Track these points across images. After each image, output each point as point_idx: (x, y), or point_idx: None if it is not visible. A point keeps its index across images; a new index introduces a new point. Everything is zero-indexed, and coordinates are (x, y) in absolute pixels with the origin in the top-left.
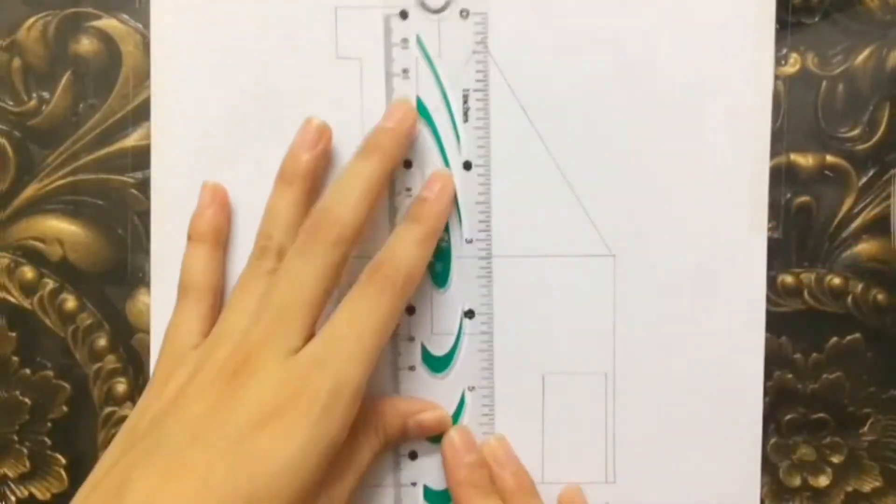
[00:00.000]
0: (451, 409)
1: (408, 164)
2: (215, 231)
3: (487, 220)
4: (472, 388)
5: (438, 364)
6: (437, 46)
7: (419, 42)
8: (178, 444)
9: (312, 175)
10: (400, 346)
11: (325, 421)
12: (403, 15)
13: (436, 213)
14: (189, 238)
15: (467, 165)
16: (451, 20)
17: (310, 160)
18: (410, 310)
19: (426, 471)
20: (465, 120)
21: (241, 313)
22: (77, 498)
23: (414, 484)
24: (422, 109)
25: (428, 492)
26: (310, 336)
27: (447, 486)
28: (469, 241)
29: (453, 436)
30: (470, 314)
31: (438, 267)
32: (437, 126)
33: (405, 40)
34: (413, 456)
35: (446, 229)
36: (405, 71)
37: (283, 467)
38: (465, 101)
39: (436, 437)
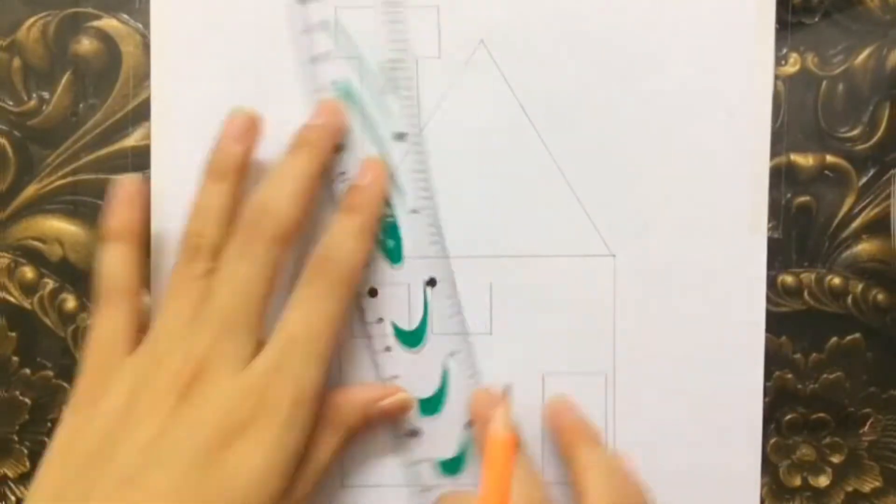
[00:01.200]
0: (437, 380)
1: (339, 147)
2: (133, 229)
3: (428, 187)
4: (452, 354)
5: (413, 338)
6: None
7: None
8: (134, 468)
9: (243, 169)
10: (371, 329)
11: (289, 429)
12: None
13: (370, 201)
14: (105, 238)
15: (399, 136)
16: None
17: (240, 153)
18: (373, 292)
19: (431, 447)
20: (393, 91)
21: (179, 319)
22: None
23: (425, 461)
24: (345, 87)
25: (441, 463)
26: (259, 339)
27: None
28: (414, 212)
29: (481, 392)
30: (432, 282)
31: (390, 244)
32: (364, 101)
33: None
34: (414, 434)
35: (388, 205)
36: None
37: (251, 483)
38: (393, 72)
39: (427, 409)
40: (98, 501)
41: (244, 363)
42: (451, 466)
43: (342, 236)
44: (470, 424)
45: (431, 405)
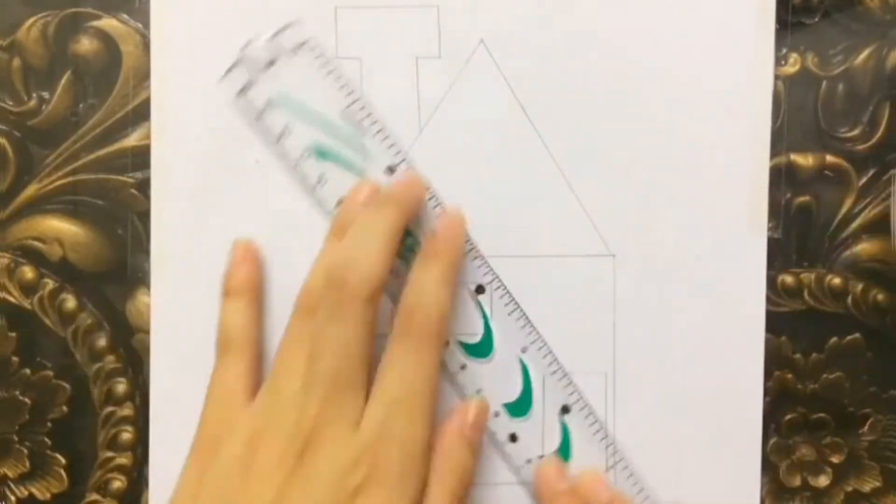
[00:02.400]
0: (519, 381)
1: (390, 170)
2: (251, 287)
3: (440, 203)
4: (524, 350)
5: (482, 349)
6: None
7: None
8: None
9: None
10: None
11: (400, 490)
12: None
13: (452, 249)
14: (226, 294)
15: (391, 169)
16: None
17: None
18: None
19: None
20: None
21: (293, 375)
22: None
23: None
24: (319, 153)
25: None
26: (365, 396)
27: None
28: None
29: (546, 466)
30: (480, 289)
31: None
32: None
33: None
34: (513, 438)
35: (411, 233)
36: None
37: None
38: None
39: (518, 412)
40: None
41: (354, 423)
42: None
43: (429, 285)
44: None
45: (521, 407)
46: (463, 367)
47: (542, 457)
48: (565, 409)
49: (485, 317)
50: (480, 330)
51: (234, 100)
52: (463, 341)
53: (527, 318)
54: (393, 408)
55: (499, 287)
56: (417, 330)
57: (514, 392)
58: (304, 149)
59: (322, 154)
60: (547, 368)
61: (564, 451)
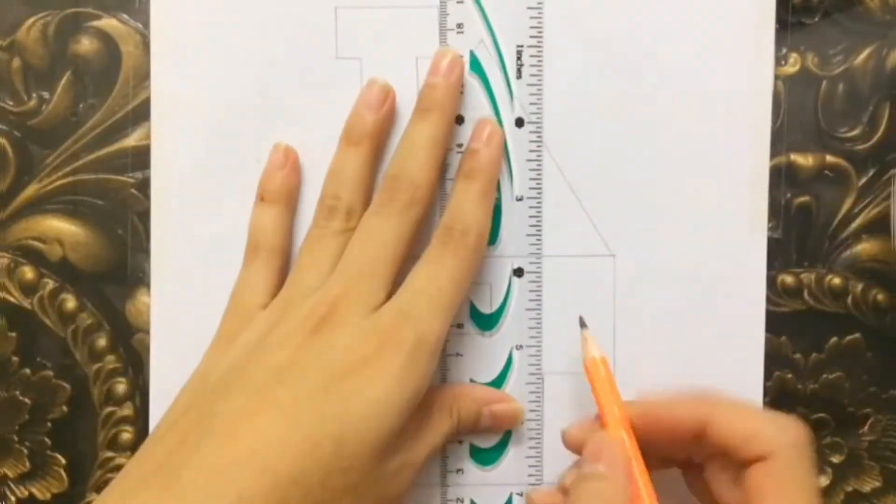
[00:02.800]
0: (499, 368)
1: (460, 119)
2: (287, 193)
3: (539, 177)
4: (519, 347)
5: (487, 322)
6: (492, 1)
7: None
8: (262, 384)
9: (378, 135)
10: None
11: (408, 370)
12: None
13: (489, 164)
14: (260, 198)
15: (519, 122)
16: None
17: (375, 121)
18: None
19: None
20: (519, 76)
21: (313, 272)
22: (156, 433)
23: (460, 442)
24: (475, 64)
25: (474, 449)
26: (390, 293)
27: None
28: (519, 199)
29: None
30: (519, 272)
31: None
32: (490, 82)
33: None
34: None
35: (497, 187)
36: (459, 25)
37: (369, 411)
38: (519, 58)
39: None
40: (224, 409)
41: (374, 309)
42: (489, 458)
43: (468, 203)
44: None
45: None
46: (459, 325)
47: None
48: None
49: (507, 298)
50: (496, 306)
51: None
52: (476, 306)
53: (540, 320)
54: (415, 298)
55: (534, 281)
56: (455, 242)
57: (491, 374)
58: (469, 50)
59: (474, 66)
60: (528, 377)
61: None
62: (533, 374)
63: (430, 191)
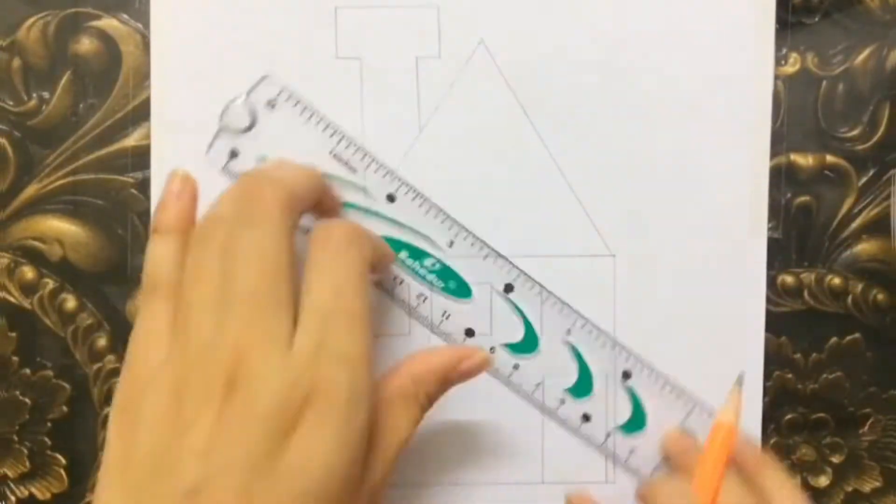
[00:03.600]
0: (572, 362)
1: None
2: (186, 222)
3: (461, 224)
4: (569, 332)
5: (528, 345)
6: None
7: None
8: (198, 477)
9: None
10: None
11: (350, 408)
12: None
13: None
14: (155, 230)
15: (391, 198)
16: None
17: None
18: (469, 332)
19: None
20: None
21: (203, 306)
22: None
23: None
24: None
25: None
26: (293, 315)
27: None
28: (451, 245)
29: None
30: (508, 288)
31: (452, 285)
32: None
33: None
34: (586, 418)
35: (421, 258)
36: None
37: (320, 473)
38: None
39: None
40: None
41: (285, 343)
42: (633, 426)
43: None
44: (663, 462)
45: (583, 388)
46: (516, 366)
47: (620, 427)
48: (626, 375)
49: (521, 313)
50: (521, 328)
51: (222, 171)
52: (508, 343)
53: (561, 302)
54: (328, 321)
55: (526, 281)
56: (336, 240)
57: (572, 376)
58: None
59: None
60: (595, 343)
61: (638, 417)
62: (598, 339)
63: (303, 197)
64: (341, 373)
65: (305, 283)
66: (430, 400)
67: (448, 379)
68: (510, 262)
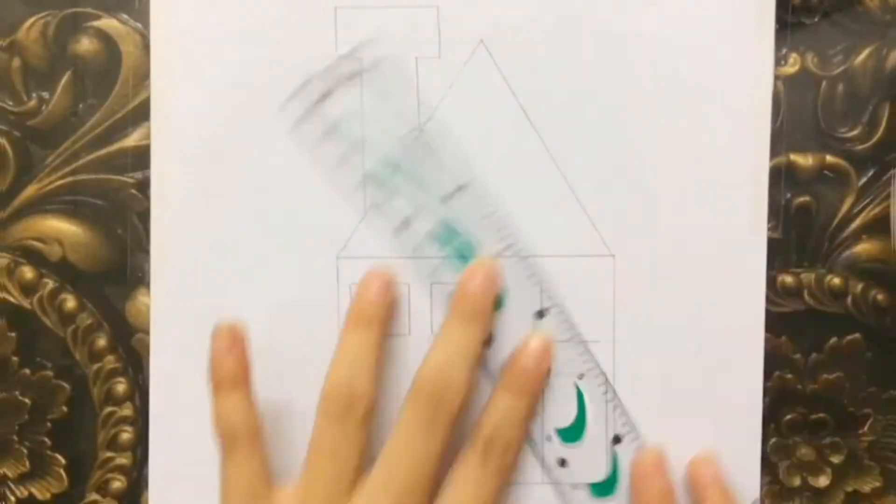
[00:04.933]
0: (573, 404)
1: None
2: (243, 374)
3: (504, 228)
4: (581, 376)
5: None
6: None
7: None
8: None
9: (387, 318)
10: None
11: None
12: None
13: (537, 383)
14: (217, 386)
15: (460, 188)
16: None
17: (382, 305)
18: (488, 341)
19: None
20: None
21: (334, 476)
22: None
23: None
24: (392, 168)
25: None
26: None
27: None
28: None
29: (645, 457)
30: (540, 314)
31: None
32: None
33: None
34: (563, 463)
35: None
36: None
37: None
38: None
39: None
40: None
41: None
42: (603, 489)
43: (512, 420)
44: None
45: (574, 433)
46: None
47: (589, 485)
48: (617, 440)
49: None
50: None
51: (305, 113)
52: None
53: (586, 345)
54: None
55: (560, 312)
56: (496, 460)
57: (568, 417)
58: (366, 172)
59: (394, 170)
60: (602, 397)
61: (611, 481)
62: (605, 394)
63: (467, 400)
64: None
65: (449, 482)
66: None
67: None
68: (546, 290)
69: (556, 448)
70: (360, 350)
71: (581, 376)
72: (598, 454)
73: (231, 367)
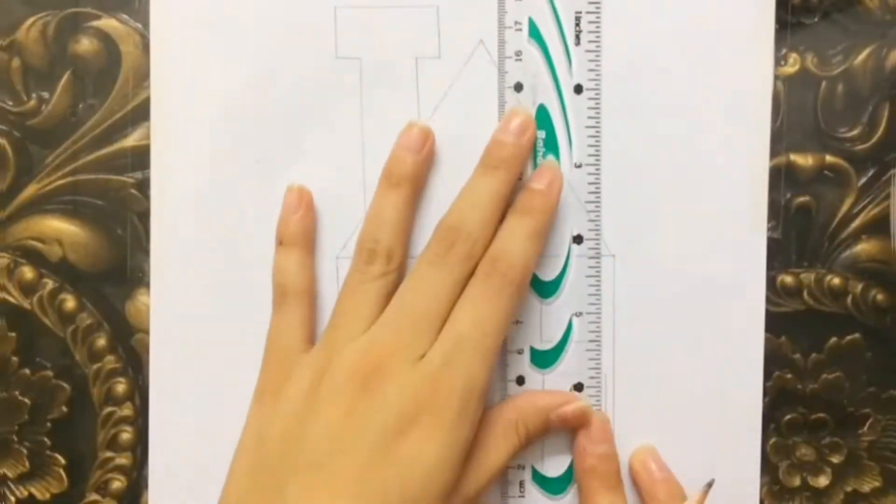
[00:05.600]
0: (558, 336)
1: (518, 87)
2: (305, 234)
3: (598, 143)
4: (578, 314)
5: (546, 289)
6: None
7: None
8: (322, 454)
9: (418, 178)
10: None
11: (459, 421)
12: None
13: (547, 207)
14: (280, 243)
15: (578, 89)
16: None
17: (416, 162)
18: None
19: (532, 454)
20: (577, 43)
21: (355, 318)
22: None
23: (521, 466)
24: (534, 31)
25: (536, 474)
26: (436, 338)
27: (576, 470)
28: (578, 167)
29: (593, 423)
30: (578, 239)
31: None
32: (549, 49)
33: None
34: (520, 381)
35: (554, 149)
36: None
37: (428, 470)
38: (578, 24)
39: (542, 363)
40: (293, 486)
41: (419, 357)
42: (546, 484)
43: (518, 238)
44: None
45: (547, 358)
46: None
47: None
48: (578, 387)
49: (566, 265)
50: (555, 274)
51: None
52: (535, 274)
53: (599, 286)
54: (460, 344)
55: (593, 248)
56: (500, 276)
57: (549, 343)
58: (522, 20)
59: (532, 32)
60: (587, 335)
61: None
62: (592, 342)
63: (486, 246)
64: (457, 390)
65: (458, 304)
66: (529, 435)
67: (549, 419)
68: (597, 213)
69: (522, 365)
70: (389, 209)
71: (578, 314)
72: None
73: (293, 225)
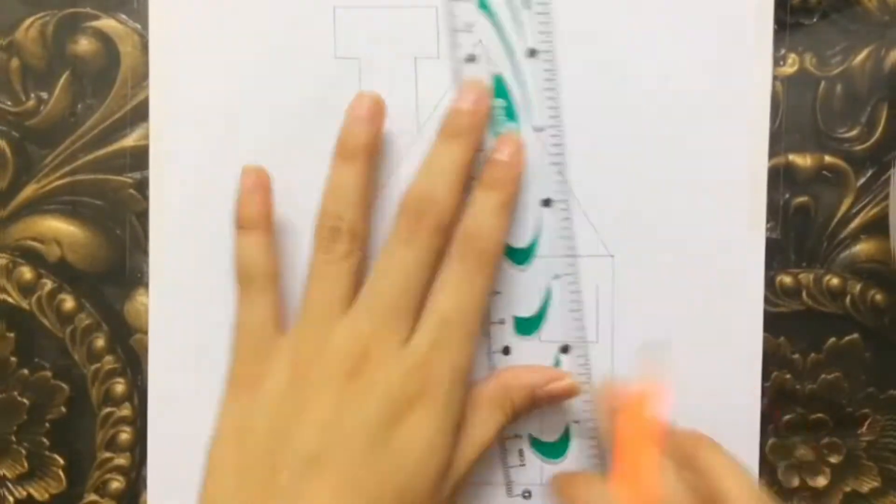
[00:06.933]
0: (538, 301)
1: (471, 58)
2: (267, 216)
3: (556, 106)
4: (557, 277)
5: (521, 256)
6: None
7: None
8: (317, 446)
9: (374, 149)
10: None
11: (450, 403)
12: None
13: (512, 178)
14: (240, 227)
15: (532, 52)
16: None
17: (370, 132)
18: None
19: (529, 422)
20: (527, 6)
21: (330, 302)
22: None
23: (518, 436)
24: (483, 3)
25: (535, 441)
26: (416, 319)
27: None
28: (539, 130)
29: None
30: (547, 202)
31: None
32: (499, 16)
33: None
34: (506, 351)
35: (514, 116)
36: None
37: (423, 456)
38: None
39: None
40: (287, 478)
41: (404, 341)
42: (544, 450)
43: (487, 213)
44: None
45: (530, 325)
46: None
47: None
48: (565, 349)
49: (539, 229)
50: (529, 240)
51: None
52: (508, 242)
53: (574, 248)
54: (445, 329)
55: (564, 209)
56: (475, 256)
57: (529, 310)
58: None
59: (483, 5)
60: (569, 296)
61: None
62: (574, 303)
63: (454, 214)
64: (446, 374)
65: (433, 289)
66: (515, 410)
67: (536, 395)
68: (565, 182)
69: (505, 335)
70: (348, 183)
71: (556, 277)
72: (544, 356)
73: (253, 208)
